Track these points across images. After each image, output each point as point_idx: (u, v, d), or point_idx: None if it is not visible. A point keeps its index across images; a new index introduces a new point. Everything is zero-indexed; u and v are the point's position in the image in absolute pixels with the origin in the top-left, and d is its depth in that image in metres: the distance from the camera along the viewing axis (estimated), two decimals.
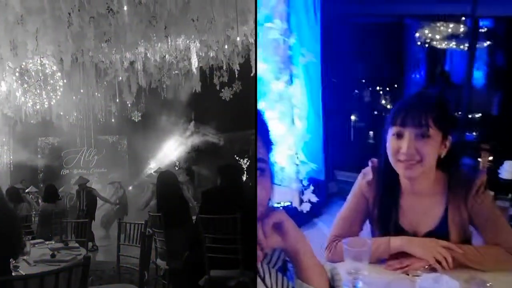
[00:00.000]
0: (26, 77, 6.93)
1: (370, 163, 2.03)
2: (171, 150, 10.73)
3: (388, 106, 3.78)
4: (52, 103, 7.46)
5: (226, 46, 6.44)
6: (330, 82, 3.52)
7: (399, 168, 1.85)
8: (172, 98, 9.21)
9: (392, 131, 1.84)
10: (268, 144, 1.21)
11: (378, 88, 3.83)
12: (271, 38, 3.40)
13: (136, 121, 10.87)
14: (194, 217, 4.28)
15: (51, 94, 7.21)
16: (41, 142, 11.69)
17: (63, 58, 5.73)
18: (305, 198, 3.61)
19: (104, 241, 8.02)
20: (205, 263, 3.53)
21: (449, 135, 1.84)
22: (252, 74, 6.17)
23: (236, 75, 7.39)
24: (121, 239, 3.95)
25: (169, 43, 5.99)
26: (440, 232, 1.87)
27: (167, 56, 6.96)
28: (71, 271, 1.93)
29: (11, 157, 11.14)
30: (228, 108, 9.22)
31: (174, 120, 10.50)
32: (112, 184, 9.79)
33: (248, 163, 9.69)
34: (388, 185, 1.94)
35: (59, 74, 7.16)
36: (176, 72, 7.79)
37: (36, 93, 7.06)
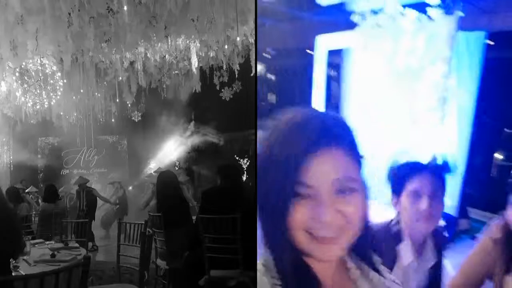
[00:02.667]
0: (26, 77, 6.94)
1: (498, 220, 1.87)
2: (171, 150, 10.73)
3: None
4: (52, 103, 7.47)
5: (226, 46, 6.44)
6: (481, 121, 3.58)
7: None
8: (172, 98, 9.20)
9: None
10: (357, 159, 1.03)
11: None
12: (432, 80, 3.51)
13: (136, 121, 10.87)
14: (194, 217, 4.28)
15: (51, 94, 7.21)
16: (41, 142, 11.69)
17: (63, 58, 5.73)
18: None
19: (104, 241, 8.02)
20: (205, 263, 3.52)
21: None
22: (252, 74, 6.18)
23: (236, 75, 7.39)
24: (121, 239, 3.95)
25: (169, 43, 5.99)
26: None
27: (167, 56, 6.96)
28: (71, 271, 1.93)
29: (11, 157, 11.15)
30: (228, 108, 9.22)
31: (174, 120, 10.51)
32: (112, 184, 9.79)
33: (248, 163, 9.68)
34: None
35: (59, 74, 7.17)
36: (176, 72, 7.79)
37: (36, 93, 7.07)
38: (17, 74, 6.87)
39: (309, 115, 1.03)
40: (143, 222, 3.81)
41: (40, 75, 6.90)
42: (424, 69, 3.41)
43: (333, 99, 4.20)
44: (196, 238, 3.65)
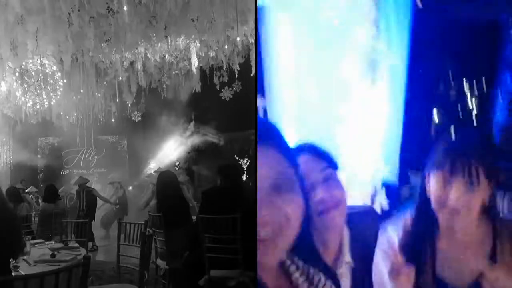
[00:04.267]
0: (26, 77, 6.94)
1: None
2: (171, 150, 10.73)
3: (474, 107, 3.67)
4: (52, 103, 7.47)
5: (226, 46, 6.44)
6: (414, 82, 3.46)
7: (442, 216, 1.68)
8: (172, 98, 9.21)
9: (438, 175, 1.66)
10: (292, 159, 1.14)
11: (465, 86, 3.72)
12: (359, 41, 3.37)
13: (136, 121, 10.87)
14: (194, 217, 4.28)
15: (51, 94, 7.21)
16: (41, 142, 11.69)
17: (63, 58, 5.74)
18: (376, 202, 3.60)
19: (104, 241, 8.02)
20: (205, 263, 3.52)
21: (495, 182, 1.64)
22: (252, 74, 6.18)
23: (236, 75, 7.39)
24: (121, 239, 3.94)
25: (169, 43, 5.99)
26: None
27: (167, 56, 6.96)
28: (71, 271, 1.93)
29: (11, 157, 11.15)
30: (228, 108, 9.22)
31: (174, 120, 10.51)
32: (112, 184, 9.79)
33: (248, 163, 9.68)
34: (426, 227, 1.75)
35: (59, 74, 7.16)
36: (176, 72, 7.79)
37: (36, 93, 7.06)
38: (17, 74, 6.87)
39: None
40: (143, 222, 3.81)
41: (40, 75, 6.90)
42: (350, 31, 3.29)
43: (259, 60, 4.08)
44: (196, 238, 3.65)
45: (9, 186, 7.65)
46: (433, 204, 1.67)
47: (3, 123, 9.93)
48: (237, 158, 9.76)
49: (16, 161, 10.98)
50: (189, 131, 10.57)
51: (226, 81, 8.23)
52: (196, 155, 10.59)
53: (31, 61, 6.53)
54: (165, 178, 4.52)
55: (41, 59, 6.30)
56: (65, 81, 7.30)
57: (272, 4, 3.37)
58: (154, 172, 7.71)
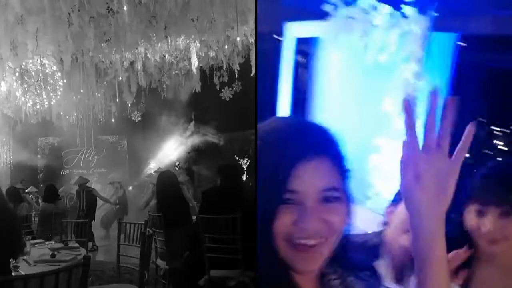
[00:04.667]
0: (26, 77, 6.94)
1: None
2: (171, 150, 10.73)
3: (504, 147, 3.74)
4: (52, 103, 7.48)
5: (226, 46, 6.44)
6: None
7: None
8: (172, 98, 9.21)
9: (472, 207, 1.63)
10: (343, 170, 1.07)
11: (495, 128, 3.81)
12: (403, 79, 3.47)
13: (136, 121, 10.87)
14: (194, 217, 4.28)
15: (51, 94, 7.22)
16: (41, 142, 11.69)
17: (63, 58, 5.73)
18: None
19: (104, 241, 8.01)
20: (205, 263, 3.53)
21: None
22: (252, 74, 6.18)
23: (236, 75, 7.39)
24: (121, 239, 3.95)
25: (169, 43, 5.99)
26: None
27: (167, 56, 6.96)
28: (71, 271, 1.93)
29: (11, 157, 11.14)
30: (228, 108, 9.22)
31: (174, 120, 10.50)
32: (112, 184, 9.79)
33: (248, 163, 9.68)
34: None
35: (59, 74, 7.17)
36: (176, 72, 7.79)
37: (36, 93, 7.07)
38: (17, 74, 6.87)
39: (300, 124, 1.08)
40: (143, 222, 3.81)
41: (40, 75, 6.91)
42: (395, 67, 3.36)
43: (300, 87, 4.14)
44: (196, 238, 3.65)
45: (9, 186, 7.65)
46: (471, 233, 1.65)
47: (3, 123, 9.93)
48: (237, 158, 9.75)
49: (16, 161, 10.98)
50: (189, 131, 10.57)
51: (226, 81, 8.23)
52: (196, 155, 10.59)
53: (31, 61, 6.53)
54: (165, 178, 4.53)
55: (41, 59, 6.30)
56: (65, 81, 7.31)
57: (326, 38, 3.61)
58: (154, 172, 7.71)
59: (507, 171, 1.73)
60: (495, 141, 3.67)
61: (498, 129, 3.74)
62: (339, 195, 1.02)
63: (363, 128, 3.39)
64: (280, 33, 4.07)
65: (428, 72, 3.42)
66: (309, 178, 1.00)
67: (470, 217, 1.61)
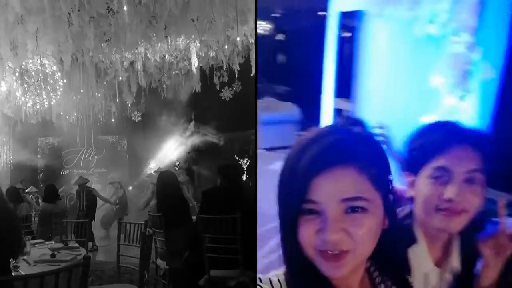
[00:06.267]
0: (26, 77, 6.94)
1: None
2: (171, 150, 10.73)
3: None
4: (52, 103, 7.47)
5: (226, 46, 6.44)
6: (506, 97, 3.32)
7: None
8: (172, 98, 9.21)
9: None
10: (376, 177, 1.00)
11: None
12: (454, 51, 3.24)
13: (136, 121, 10.86)
14: (194, 217, 4.28)
15: (51, 94, 7.21)
16: (41, 142, 11.69)
17: (63, 58, 5.73)
18: None
19: (104, 241, 8.01)
20: (205, 263, 3.53)
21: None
22: (252, 74, 6.18)
23: (236, 75, 7.39)
24: (121, 239, 3.95)
25: (169, 43, 5.99)
26: None
27: (167, 56, 6.96)
28: (71, 271, 1.94)
29: (11, 157, 11.14)
30: (228, 108, 9.22)
31: (174, 120, 10.50)
32: (112, 184, 9.79)
33: (248, 163, 9.68)
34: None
35: (59, 74, 7.17)
36: (176, 72, 7.79)
37: (36, 93, 7.07)
38: (17, 74, 6.87)
39: (327, 132, 1.03)
40: (143, 222, 3.82)
41: (40, 75, 6.90)
42: (445, 39, 3.10)
43: (345, 63, 3.99)
44: (196, 238, 3.65)
45: (9, 186, 7.64)
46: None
47: (3, 123, 9.92)
48: (237, 158, 9.75)
49: (16, 161, 10.97)
50: (189, 131, 10.57)
51: (226, 81, 8.22)
52: (196, 155, 10.59)
53: (31, 61, 6.53)
54: (165, 178, 4.53)
55: (41, 59, 6.30)
56: (65, 81, 7.30)
57: (371, 11, 3.42)
58: (154, 172, 7.71)
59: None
60: None
61: None
62: (366, 205, 0.98)
63: (410, 106, 3.20)
64: (324, 8, 3.96)
65: (482, 43, 3.20)
66: (330, 188, 0.97)
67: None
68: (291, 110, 4.96)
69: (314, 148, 0.98)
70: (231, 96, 9.25)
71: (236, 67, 6.97)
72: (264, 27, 5.57)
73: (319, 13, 4.18)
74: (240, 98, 8.94)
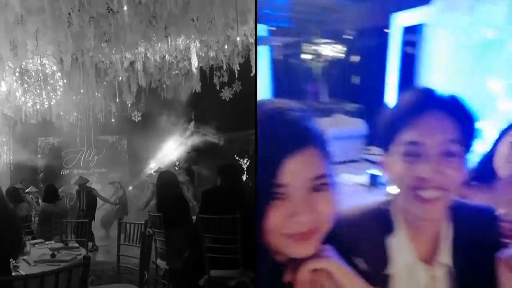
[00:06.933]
0: (26, 77, 6.94)
1: None
2: (171, 150, 10.73)
3: None
4: (52, 103, 7.47)
5: (226, 46, 6.44)
6: None
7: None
8: (172, 98, 9.21)
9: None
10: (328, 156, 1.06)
11: None
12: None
13: (136, 121, 10.87)
14: (194, 217, 4.28)
15: (51, 94, 7.21)
16: (41, 142, 11.69)
17: (63, 58, 5.73)
18: None
19: (104, 241, 8.01)
20: (205, 263, 3.53)
21: None
22: (252, 74, 6.18)
23: (236, 75, 7.39)
24: (121, 239, 3.95)
25: (169, 43, 5.99)
26: None
27: (167, 56, 6.96)
28: (71, 271, 1.93)
29: (11, 157, 11.14)
30: (228, 108, 9.22)
31: (174, 120, 10.51)
32: (112, 184, 9.79)
33: (248, 163, 9.68)
34: None
35: (59, 74, 7.17)
36: (176, 72, 7.79)
37: (36, 93, 7.07)
38: (17, 74, 6.87)
39: (285, 117, 1.06)
40: (143, 222, 3.81)
41: (40, 75, 6.90)
42: (503, 43, 3.09)
43: (409, 76, 4.01)
44: (196, 238, 3.65)
45: (9, 186, 7.64)
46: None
47: (3, 123, 9.92)
48: (237, 158, 9.76)
49: (16, 161, 10.98)
50: (189, 131, 10.57)
51: (226, 81, 8.22)
52: (196, 155, 10.59)
53: (31, 61, 6.53)
54: (165, 178, 4.53)
55: (41, 59, 6.30)
56: (65, 81, 7.30)
57: (432, 22, 3.50)
58: (154, 172, 7.72)
59: None
60: None
61: None
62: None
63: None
64: (386, 26, 4.00)
65: None
66: (295, 169, 1.00)
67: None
68: (358, 125, 5.11)
69: (278, 134, 1.04)
70: (231, 96, 9.26)
71: (236, 67, 6.97)
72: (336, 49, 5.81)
73: (384, 30, 4.27)
74: (240, 98, 8.95)
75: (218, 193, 3.85)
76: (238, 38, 5.73)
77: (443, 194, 1.16)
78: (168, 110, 10.22)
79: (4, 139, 11.02)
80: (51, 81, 7.15)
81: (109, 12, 4.79)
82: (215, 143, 10.26)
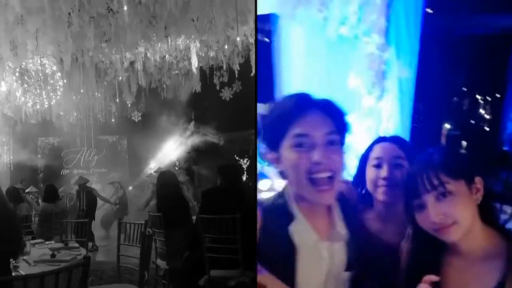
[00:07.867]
0: (26, 77, 6.93)
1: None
2: (171, 150, 10.73)
3: (487, 116, 3.64)
4: (52, 103, 7.47)
5: (226, 46, 6.44)
6: (423, 93, 3.41)
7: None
8: (172, 98, 9.21)
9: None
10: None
11: (478, 97, 3.69)
12: (368, 52, 3.31)
13: (136, 121, 10.87)
14: (194, 217, 4.28)
15: (51, 94, 7.21)
16: (41, 142, 11.70)
17: (63, 58, 5.74)
18: None
19: (104, 241, 8.01)
20: (205, 263, 3.53)
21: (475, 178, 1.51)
22: (252, 74, 6.18)
23: (236, 75, 7.40)
24: (121, 239, 3.94)
25: (169, 43, 5.99)
26: None
27: (167, 56, 6.96)
28: (71, 271, 1.93)
29: (11, 157, 11.14)
30: (228, 108, 9.22)
31: (174, 120, 10.51)
32: (112, 184, 9.79)
33: (248, 163, 9.69)
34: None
35: (59, 74, 7.16)
36: (176, 72, 7.79)
37: (36, 93, 7.06)
38: (17, 74, 6.87)
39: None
40: (143, 222, 3.81)
41: (40, 75, 6.90)
42: (358, 41, 3.13)
43: (265, 67, 4.00)
44: (196, 238, 3.65)
45: (9, 186, 7.64)
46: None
47: (3, 123, 9.92)
48: (237, 158, 9.76)
49: (16, 161, 10.98)
50: (189, 131, 10.57)
51: (226, 81, 8.23)
52: (196, 155, 10.60)
53: (31, 61, 6.53)
54: (165, 178, 4.52)
55: (41, 59, 6.30)
56: (65, 81, 7.30)
57: (283, 14, 3.35)
58: (154, 172, 7.71)
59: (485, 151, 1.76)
60: (480, 110, 3.54)
61: (480, 97, 3.60)
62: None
63: None
64: None
65: (394, 43, 3.21)
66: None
67: (416, 213, 1.53)
68: None
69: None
70: (231, 96, 9.26)
71: (236, 67, 6.97)
72: None
73: None
74: (240, 98, 8.95)
75: (218, 193, 3.85)
76: (238, 38, 5.73)
77: (333, 175, 1.50)
78: (168, 110, 10.22)
79: (4, 139, 11.02)
80: (51, 81, 7.15)
81: (109, 12, 4.78)
82: (215, 143, 10.26)
